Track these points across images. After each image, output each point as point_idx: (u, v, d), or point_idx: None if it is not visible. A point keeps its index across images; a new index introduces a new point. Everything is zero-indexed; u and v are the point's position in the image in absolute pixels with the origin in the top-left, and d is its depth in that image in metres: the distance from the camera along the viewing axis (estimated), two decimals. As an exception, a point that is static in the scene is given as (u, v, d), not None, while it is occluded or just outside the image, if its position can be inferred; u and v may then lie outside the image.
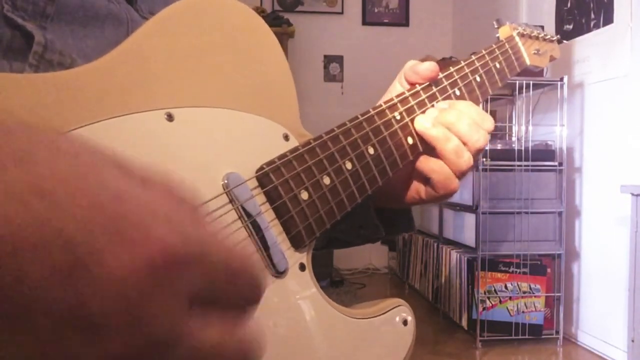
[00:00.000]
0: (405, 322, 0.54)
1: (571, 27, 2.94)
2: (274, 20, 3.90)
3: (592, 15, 2.78)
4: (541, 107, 3.09)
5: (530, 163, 2.80)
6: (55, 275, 0.19)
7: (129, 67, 0.40)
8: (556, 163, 2.84)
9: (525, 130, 3.08)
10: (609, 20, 2.67)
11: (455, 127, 0.55)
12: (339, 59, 4.48)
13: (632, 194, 2.13)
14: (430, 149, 0.56)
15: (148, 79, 0.41)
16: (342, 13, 4.47)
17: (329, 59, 4.47)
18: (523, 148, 2.83)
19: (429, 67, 0.57)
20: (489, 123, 0.56)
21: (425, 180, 0.57)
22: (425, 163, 0.56)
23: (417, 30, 4.54)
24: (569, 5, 2.97)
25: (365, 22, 4.51)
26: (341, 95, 4.44)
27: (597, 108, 2.78)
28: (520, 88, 2.89)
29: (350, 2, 4.48)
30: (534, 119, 3.10)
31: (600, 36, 2.72)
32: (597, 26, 2.75)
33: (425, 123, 0.55)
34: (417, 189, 0.58)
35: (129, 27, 0.48)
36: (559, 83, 2.83)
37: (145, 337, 0.21)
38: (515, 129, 3.16)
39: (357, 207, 0.53)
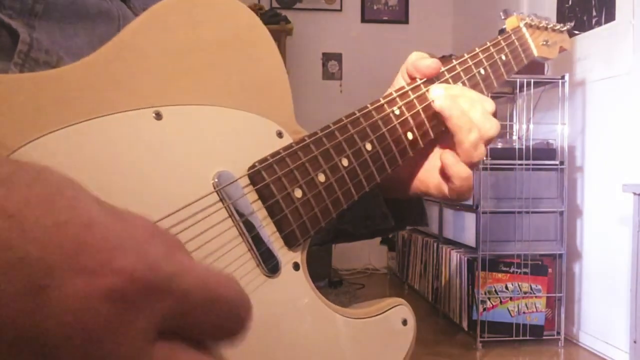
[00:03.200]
0: (405, 322, 0.53)
1: (572, 24, 2.91)
2: (272, 18, 3.87)
3: (594, 13, 2.76)
4: (542, 106, 3.07)
5: (531, 162, 2.79)
6: (14, 298, 0.20)
7: (117, 64, 0.40)
8: (557, 162, 2.83)
9: (526, 129, 3.06)
10: (610, 17, 2.64)
11: (469, 114, 0.53)
12: (337, 57, 4.46)
13: (634, 193, 2.12)
14: (433, 140, 0.54)
15: (136, 77, 0.40)
16: (340, 10, 4.45)
17: (327, 57, 4.45)
18: (524, 147, 2.81)
19: (430, 65, 0.55)
20: (489, 105, 0.54)
21: (444, 177, 0.54)
22: (455, 166, 0.52)
23: (416, 28, 4.52)
24: (570, 2, 2.95)
25: (364, 20, 4.49)
26: (340, 93, 4.42)
27: (599, 106, 2.76)
28: (521, 86, 2.87)
29: (349, 0, 4.46)
30: (535, 118, 3.08)
31: (602, 34, 2.70)
32: (598, 23, 2.73)
33: (453, 106, 0.53)
34: (425, 181, 0.56)
35: (121, 24, 0.47)
36: (560, 81, 2.81)
37: None
38: (516, 127, 3.14)
39: (363, 194, 0.51)
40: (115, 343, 0.21)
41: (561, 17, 3.01)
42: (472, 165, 0.53)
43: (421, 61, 0.55)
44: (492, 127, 0.53)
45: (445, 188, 0.54)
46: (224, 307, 0.24)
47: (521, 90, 2.91)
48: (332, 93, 4.42)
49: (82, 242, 0.21)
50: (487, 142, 0.53)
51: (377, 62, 4.29)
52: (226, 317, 0.24)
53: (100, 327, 0.20)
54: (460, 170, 0.52)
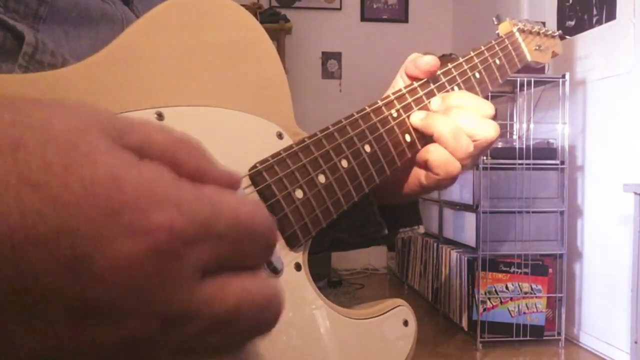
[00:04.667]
0: (406, 323, 0.54)
1: (573, 23, 2.90)
2: (271, 17, 3.86)
3: (595, 11, 2.75)
4: (543, 105, 3.06)
5: (531, 161, 2.78)
6: (60, 267, 0.20)
7: (119, 65, 0.40)
8: (558, 161, 2.82)
9: (527, 128, 3.05)
10: (611, 16, 2.63)
11: (460, 124, 0.54)
12: (337, 56, 4.45)
13: (635, 193, 2.11)
14: (429, 142, 0.55)
15: (138, 78, 0.41)
16: (340, 9, 4.44)
17: (327, 56, 4.44)
18: (524, 146, 2.80)
19: (429, 61, 0.56)
20: (488, 109, 0.55)
21: (424, 165, 0.55)
22: (421, 151, 0.55)
23: (416, 27, 4.51)
24: (570, 1, 2.93)
25: (363, 18, 4.48)
26: (339, 92, 4.41)
27: (600, 105, 2.75)
28: (522, 85, 2.86)
29: (349, -1, 4.45)
30: (536, 117, 3.07)
31: (603, 32, 2.68)
32: (599, 22, 2.71)
33: (419, 114, 0.55)
34: (416, 174, 0.57)
35: (125, 28, 0.48)
36: (560, 80, 2.80)
37: (161, 317, 0.22)
38: (516, 127, 3.13)
39: (358, 204, 0.51)
40: (166, 292, 0.22)
41: (562, 16, 3.00)
42: (461, 159, 0.53)
43: (420, 59, 0.56)
44: (489, 130, 0.54)
45: (429, 174, 0.55)
46: (256, 238, 0.25)
47: (521, 89, 2.89)
48: (331, 92, 4.40)
49: (114, 203, 0.21)
50: (487, 145, 0.54)
51: (376, 61, 4.28)
52: (258, 245, 0.25)
53: (149, 281, 0.21)
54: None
